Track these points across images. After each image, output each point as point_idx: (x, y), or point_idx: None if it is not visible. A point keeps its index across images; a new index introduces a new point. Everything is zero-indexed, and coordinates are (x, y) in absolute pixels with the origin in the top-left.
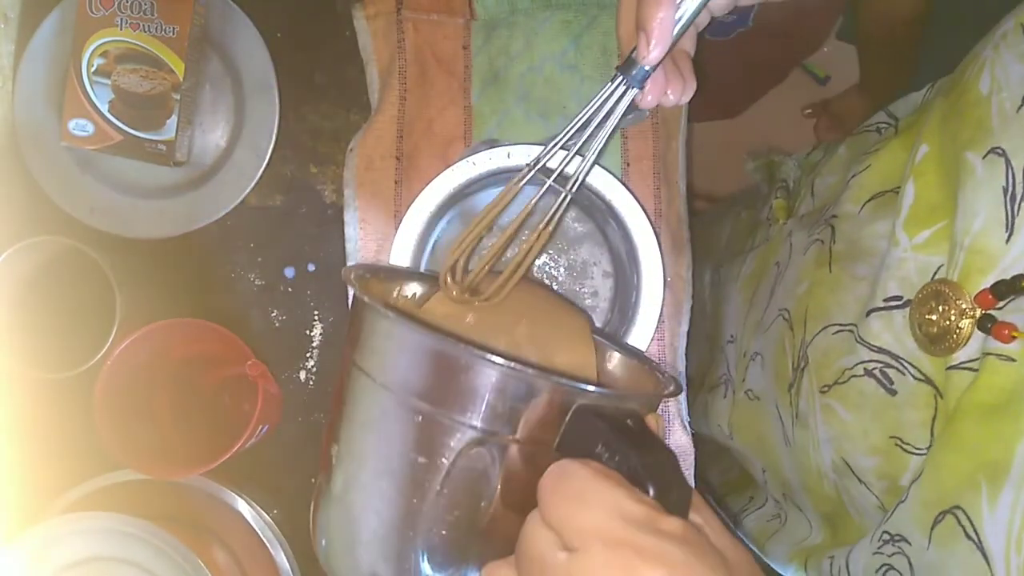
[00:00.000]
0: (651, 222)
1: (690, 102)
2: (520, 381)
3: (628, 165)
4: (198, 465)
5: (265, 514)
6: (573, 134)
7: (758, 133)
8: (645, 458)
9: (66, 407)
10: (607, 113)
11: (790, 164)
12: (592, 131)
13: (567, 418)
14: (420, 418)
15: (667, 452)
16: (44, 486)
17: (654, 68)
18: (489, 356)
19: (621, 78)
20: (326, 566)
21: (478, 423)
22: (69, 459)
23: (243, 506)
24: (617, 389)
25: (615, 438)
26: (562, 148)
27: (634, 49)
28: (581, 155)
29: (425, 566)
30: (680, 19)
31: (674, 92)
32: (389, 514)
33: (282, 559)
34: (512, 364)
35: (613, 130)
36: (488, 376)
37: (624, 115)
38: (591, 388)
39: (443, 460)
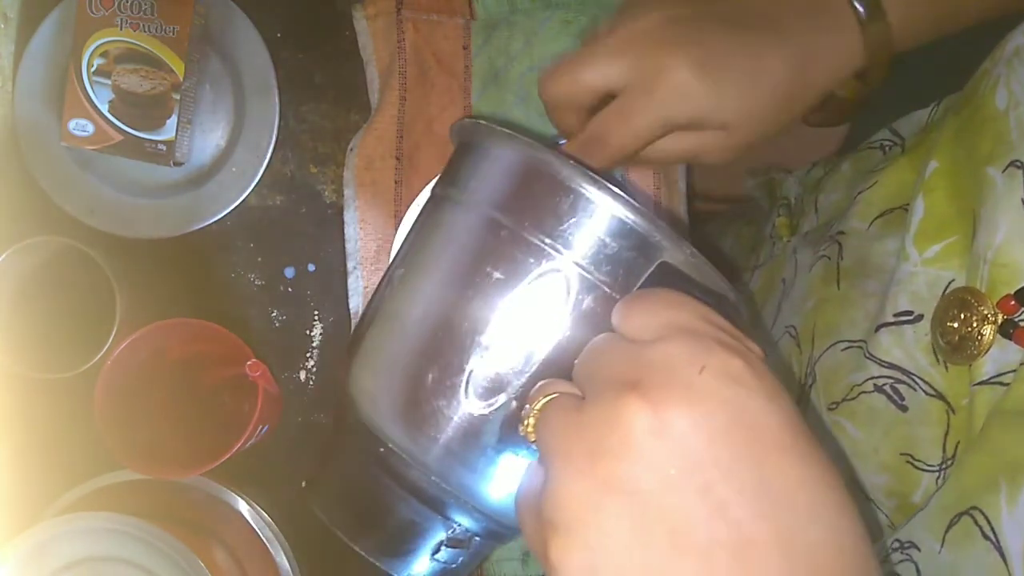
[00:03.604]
0: None
1: None
2: (615, 216)
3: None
4: (198, 465)
5: (265, 514)
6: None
7: None
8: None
9: (66, 407)
10: None
11: (791, 182)
12: None
13: (648, 272)
14: (504, 233)
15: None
16: (44, 486)
17: None
18: (592, 182)
19: None
20: (358, 392)
21: (562, 247)
22: (69, 459)
23: (243, 506)
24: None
25: None
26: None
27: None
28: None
29: (470, 387)
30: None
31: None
32: (449, 324)
33: (282, 559)
34: (615, 193)
35: None
36: (586, 203)
37: None
38: (688, 248)
39: (519, 278)
